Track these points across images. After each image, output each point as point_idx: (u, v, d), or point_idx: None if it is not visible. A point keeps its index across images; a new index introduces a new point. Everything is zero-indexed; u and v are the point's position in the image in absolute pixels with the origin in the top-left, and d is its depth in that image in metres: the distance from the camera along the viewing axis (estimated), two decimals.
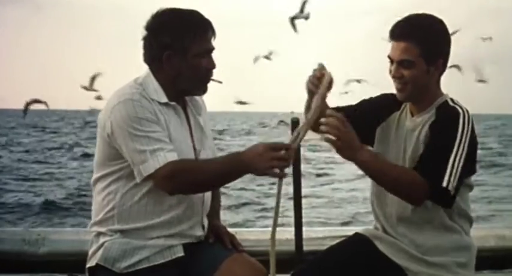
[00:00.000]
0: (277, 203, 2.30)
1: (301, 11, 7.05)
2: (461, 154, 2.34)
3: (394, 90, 2.50)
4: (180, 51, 2.39)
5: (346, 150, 2.27)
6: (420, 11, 2.50)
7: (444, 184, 2.30)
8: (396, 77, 2.45)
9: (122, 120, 2.32)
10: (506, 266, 3.30)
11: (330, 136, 2.26)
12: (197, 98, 2.56)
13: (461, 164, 2.33)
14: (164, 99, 2.42)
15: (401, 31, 2.43)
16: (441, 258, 2.44)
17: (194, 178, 2.32)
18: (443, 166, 2.31)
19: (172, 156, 2.31)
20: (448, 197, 2.34)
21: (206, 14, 2.46)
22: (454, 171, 2.31)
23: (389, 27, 2.47)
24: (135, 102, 2.33)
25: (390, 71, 2.47)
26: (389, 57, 2.47)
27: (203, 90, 2.50)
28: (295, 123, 2.59)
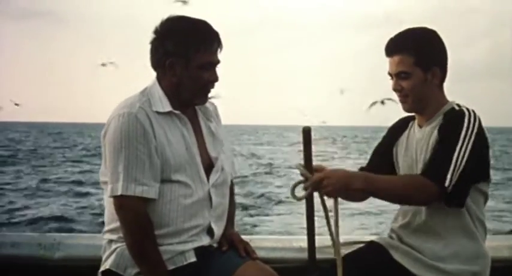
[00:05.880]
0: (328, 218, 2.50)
1: None
2: (465, 152, 2.35)
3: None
4: (182, 60, 2.39)
5: (339, 189, 2.39)
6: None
7: (447, 183, 2.33)
8: (397, 89, 2.54)
9: (113, 134, 2.34)
10: None
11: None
12: (207, 104, 2.56)
13: (464, 162, 2.34)
14: (168, 108, 2.42)
15: (394, 45, 2.53)
16: (457, 267, 2.44)
17: (139, 227, 2.33)
18: (447, 166, 2.34)
19: (140, 192, 2.32)
20: (453, 195, 2.35)
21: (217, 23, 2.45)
22: (456, 169, 2.33)
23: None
24: (131, 116, 2.33)
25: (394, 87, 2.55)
26: (389, 74, 2.56)
27: (203, 100, 2.50)
28: (306, 132, 2.50)
